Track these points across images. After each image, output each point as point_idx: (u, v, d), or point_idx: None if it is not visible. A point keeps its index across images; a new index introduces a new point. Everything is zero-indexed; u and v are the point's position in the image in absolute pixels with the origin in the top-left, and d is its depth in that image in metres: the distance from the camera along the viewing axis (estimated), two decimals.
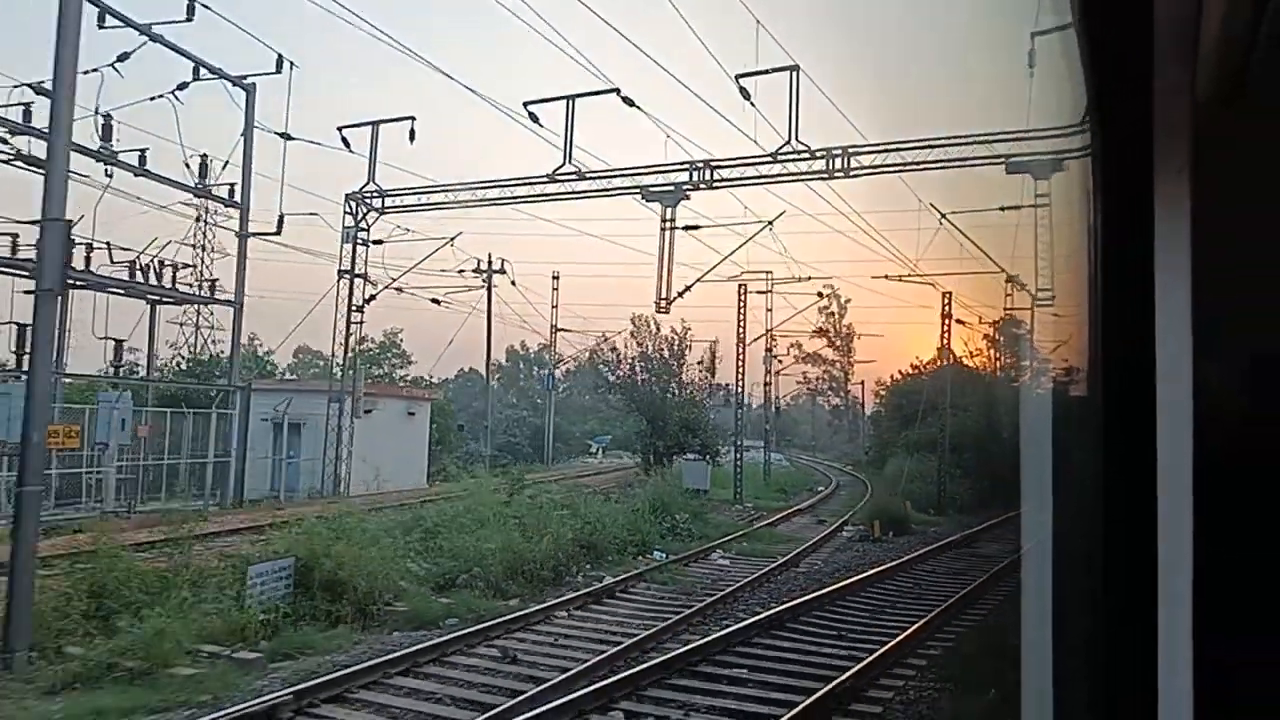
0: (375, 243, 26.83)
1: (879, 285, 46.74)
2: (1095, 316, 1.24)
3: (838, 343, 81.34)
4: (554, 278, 43.84)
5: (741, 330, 31.78)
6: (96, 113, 20.98)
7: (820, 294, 50.68)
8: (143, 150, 21.60)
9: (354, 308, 26.77)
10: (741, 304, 31.96)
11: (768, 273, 37.54)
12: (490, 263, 39.48)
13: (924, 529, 25.42)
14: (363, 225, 26.64)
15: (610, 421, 77.70)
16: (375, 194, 26.52)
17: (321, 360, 52.89)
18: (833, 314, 79.16)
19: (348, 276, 26.78)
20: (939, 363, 35.49)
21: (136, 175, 21.64)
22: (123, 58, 21.43)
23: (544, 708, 8.42)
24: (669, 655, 10.50)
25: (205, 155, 24.09)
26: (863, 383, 74.90)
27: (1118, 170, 1.20)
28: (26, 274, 19.44)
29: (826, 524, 25.67)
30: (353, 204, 26.74)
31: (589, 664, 10.09)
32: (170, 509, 20.14)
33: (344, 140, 26.15)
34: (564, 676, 9.56)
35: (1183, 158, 1.16)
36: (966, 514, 28.56)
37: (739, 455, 31.81)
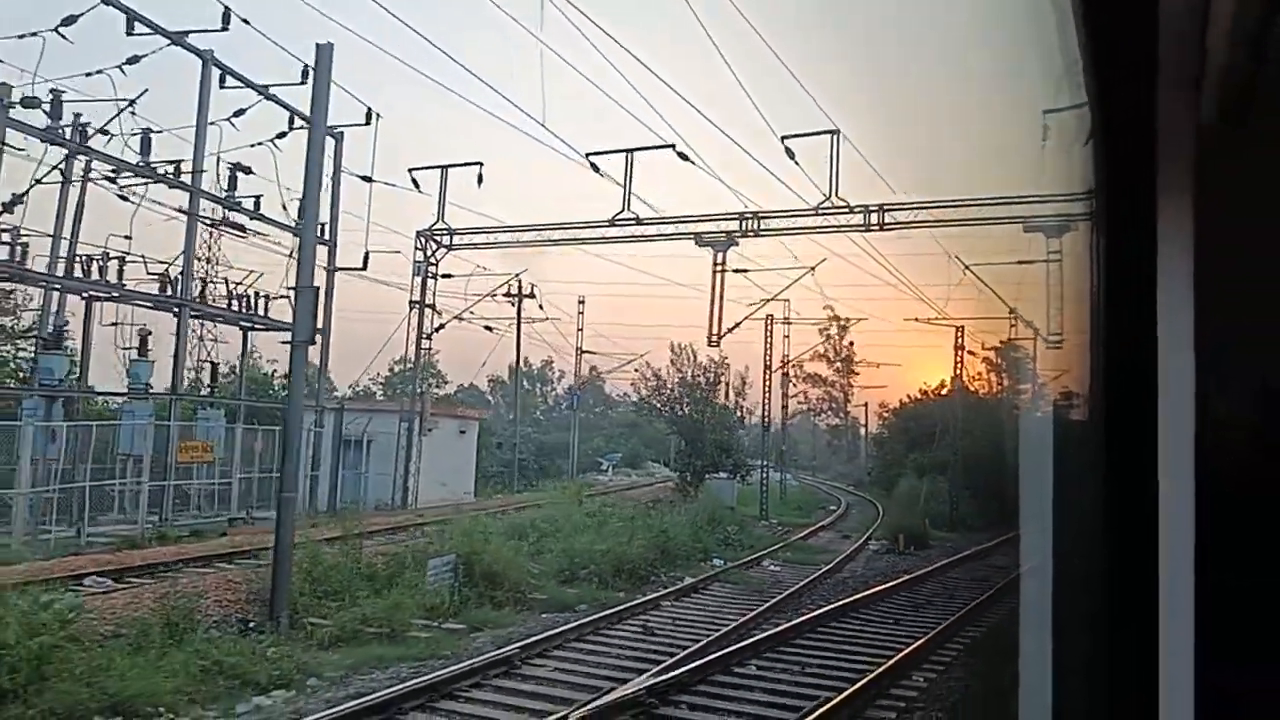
0: (444, 276, 29.59)
1: (903, 321, 49.87)
2: (1098, 340, 1.24)
3: (838, 364, 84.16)
4: (580, 302, 46.54)
5: (768, 359, 34.64)
6: (219, 162, 23.69)
7: (827, 318, 53.88)
8: (258, 196, 24.34)
9: (424, 335, 29.47)
10: (769, 336, 34.82)
11: (785, 300, 40.53)
12: (520, 288, 42.29)
13: (941, 544, 28.16)
14: (432, 260, 29.37)
15: (615, 439, 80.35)
16: (444, 231, 29.25)
17: (380, 382, 55.57)
18: (832, 336, 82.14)
19: (417, 307, 29.47)
20: (951, 390, 38.25)
21: (252, 219, 24.36)
22: (239, 113, 24.16)
23: (698, 661, 11.08)
24: (772, 631, 13.22)
25: (303, 198, 26.74)
26: (866, 405, 77.35)
27: (1122, 193, 1.20)
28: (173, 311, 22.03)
29: (851, 539, 28.37)
30: (423, 240, 29.47)
31: (714, 637, 12.77)
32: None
33: (414, 181, 28.91)
34: (697, 646, 12.22)
35: (1186, 181, 1.15)
36: (976, 531, 31.32)
37: (764, 475, 34.58)
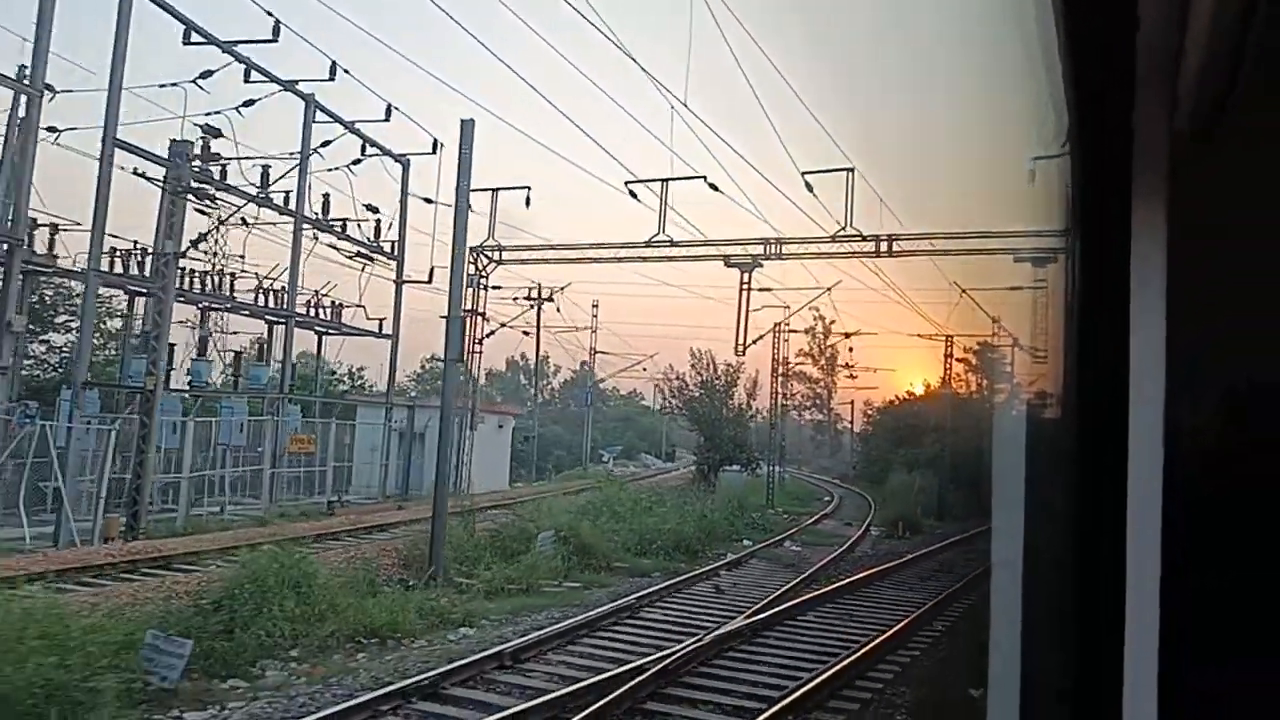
0: (494, 288, 32.92)
1: (901, 329, 53.77)
2: (1071, 343, 1.26)
3: (822, 362, 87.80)
4: (594, 305, 49.93)
5: (776, 364, 38.20)
6: (309, 189, 26.89)
7: (814, 318, 57.77)
8: (344, 220, 27.57)
9: (475, 340, 32.76)
10: (775, 342, 38.36)
11: (785, 306, 44.15)
12: (540, 293, 45.65)
13: (931, 530, 31.78)
14: (482, 273, 32.65)
15: (610, 432, 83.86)
16: (494, 248, 32.53)
17: (412, 379, 58.96)
18: (817, 335, 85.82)
19: (470, 316, 32.76)
20: (940, 392, 41.93)
21: (339, 238, 27.60)
22: (326, 144, 27.37)
23: (767, 613, 14.53)
24: (819, 592, 16.73)
25: (378, 219, 30.04)
26: (852, 403, 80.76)
27: (1097, 197, 1.21)
28: (275, 319, 25.25)
29: (853, 526, 31.93)
30: (474, 255, 32.73)
31: (772, 597, 16.23)
32: (364, 501, 26.10)
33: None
34: (763, 602, 15.67)
35: (1161, 187, 1.17)
36: (961, 520, 34.99)
37: (772, 469, 38.18)
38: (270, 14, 20.13)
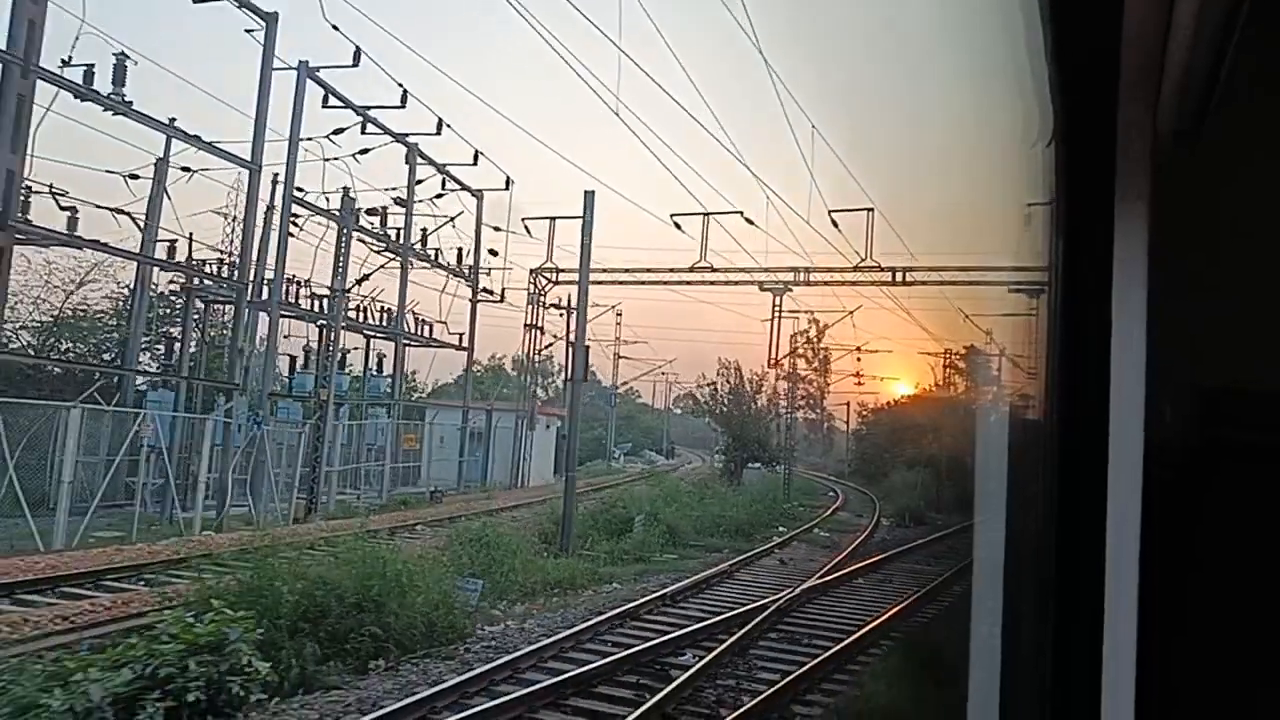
0: (553, 305, 37.36)
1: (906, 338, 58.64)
2: (1054, 341, 1.26)
3: (815, 364, 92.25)
4: (616, 312, 54.32)
5: (792, 373, 42.79)
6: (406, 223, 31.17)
7: (808, 320, 62.54)
8: (438, 249, 31.94)
9: (536, 351, 37.19)
10: (791, 353, 42.91)
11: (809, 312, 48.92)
12: (569, 302, 50.06)
13: (933, 521, 36.43)
14: (542, 292, 37.06)
15: (617, 429, 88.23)
16: (552, 270, 36.93)
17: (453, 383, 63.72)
18: (810, 338, 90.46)
19: (530, 329, 37.20)
20: (938, 396, 46.51)
21: (433, 267, 31.92)
22: (419, 182, 31.65)
23: (829, 577, 18.99)
24: (860, 565, 21.24)
25: (461, 248, 34.40)
26: (848, 404, 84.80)
27: (1080, 196, 1.21)
28: (384, 335, 29.59)
29: (864, 517, 36.52)
30: (534, 276, 37.14)
31: (825, 568, 20.69)
32: (448, 491, 30.51)
33: (526, 228, 36.60)
34: (822, 570, 20.12)
35: (1143, 187, 1.17)
36: (957, 513, 39.61)
37: (789, 467, 42.77)
38: (401, 85, 24.49)
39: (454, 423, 36.70)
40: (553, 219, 36.71)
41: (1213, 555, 1.23)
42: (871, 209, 31.97)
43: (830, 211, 32.09)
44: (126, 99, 21.27)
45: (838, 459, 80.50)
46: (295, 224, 24.78)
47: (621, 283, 36.34)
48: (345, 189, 24.65)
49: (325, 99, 25.68)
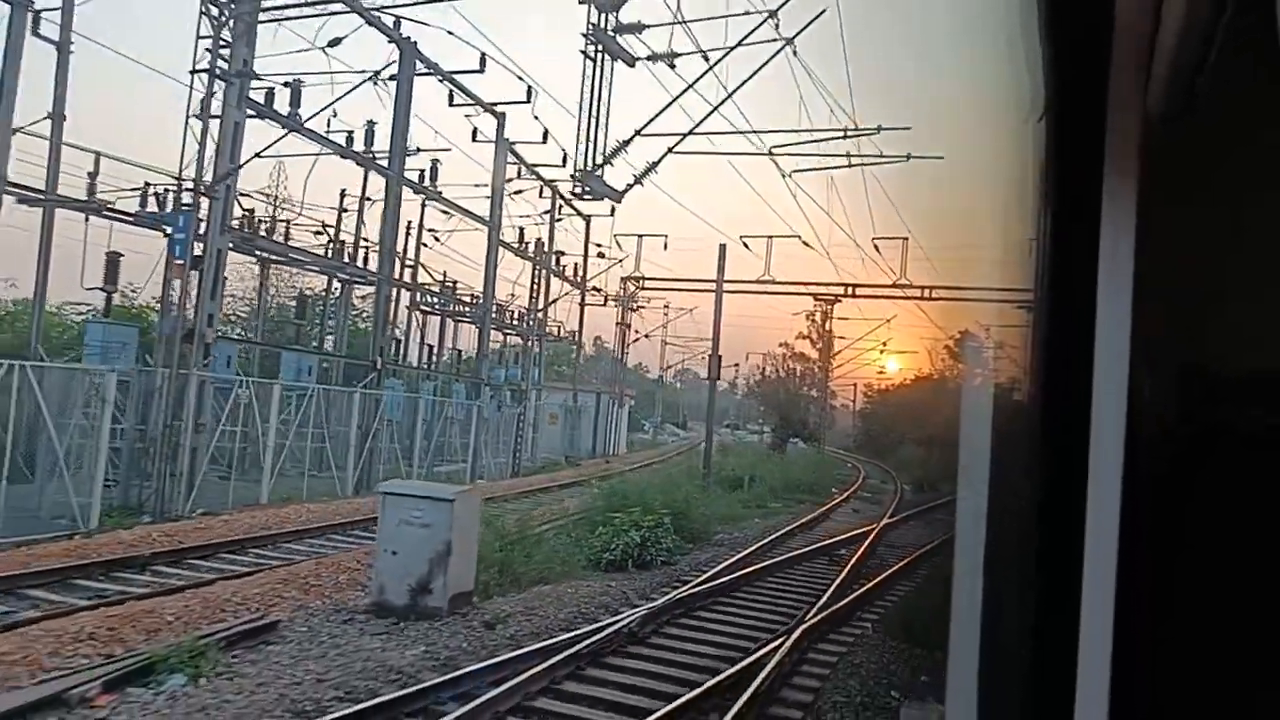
0: (640, 308, 45.68)
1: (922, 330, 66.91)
2: (1039, 320, 1.28)
3: (820, 346, 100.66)
4: (665, 308, 62.66)
5: (827, 366, 51.43)
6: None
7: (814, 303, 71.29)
8: (565, 264, 40.07)
9: (624, 345, 45.54)
10: (826, 350, 51.48)
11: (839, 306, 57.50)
12: (624, 295, 58.31)
13: (943, 489, 44.94)
14: (633, 297, 45.39)
15: (638, 405, 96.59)
16: (639, 278, 45.24)
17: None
18: (815, 321, 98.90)
19: (621, 326, 45.54)
20: (939, 377, 55.01)
21: (561, 280, 40.08)
22: (518, 190, 39.64)
23: (895, 519, 27.45)
24: (909, 513, 29.72)
25: (561, 252, 42.48)
26: (855, 385, 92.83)
27: (1067, 177, 1.22)
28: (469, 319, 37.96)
29: (888, 484, 45.10)
30: (623, 283, 45.44)
31: (887, 513, 29.11)
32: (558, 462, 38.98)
33: (617, 243, 44.85)
34: (886, 515, 28.53)
35: (1130, 170, 1.18)
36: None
37: (822, 442, 51.45)
38: (545, 127, 32.62)
39: (557, 402, 45.06)
40: (640, 236, 45.04)
41: (1192, 534, 1.21)
42: (907, 238, 40.36)
43: (874, 239, 40.46)
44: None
45: (843, 434, 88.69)
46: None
47: (695, 290, 44.68)
48: (539, 240, 32.80)
49: (450, 97, 32.76)
